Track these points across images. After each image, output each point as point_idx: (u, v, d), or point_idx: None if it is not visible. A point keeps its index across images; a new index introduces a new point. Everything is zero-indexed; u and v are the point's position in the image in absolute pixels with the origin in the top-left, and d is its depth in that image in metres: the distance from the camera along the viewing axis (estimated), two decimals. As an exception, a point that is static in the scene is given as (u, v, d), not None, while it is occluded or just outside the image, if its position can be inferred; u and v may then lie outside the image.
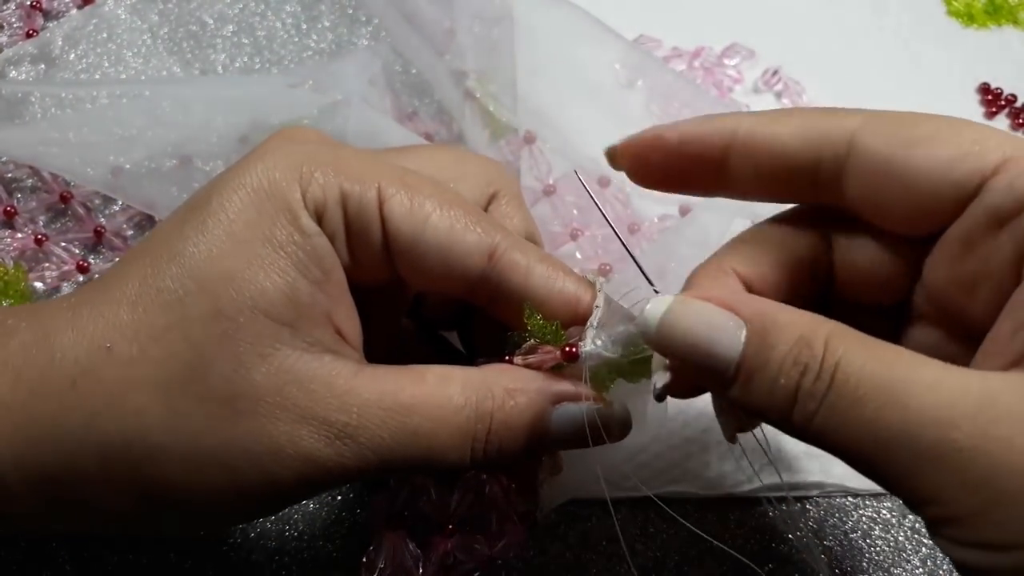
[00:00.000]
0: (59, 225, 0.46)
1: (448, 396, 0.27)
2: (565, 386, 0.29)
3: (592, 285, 0.31)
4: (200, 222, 0.26)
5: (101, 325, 0.25)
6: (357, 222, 0.28)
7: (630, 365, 0.30)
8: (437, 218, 0.28)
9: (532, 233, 0.34)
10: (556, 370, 0.30)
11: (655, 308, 0.26)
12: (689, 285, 0.29)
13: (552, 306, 0.29)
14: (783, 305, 0.25)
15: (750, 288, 0.29)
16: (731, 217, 0.37)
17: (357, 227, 0.28)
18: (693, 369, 0.26)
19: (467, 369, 0.29)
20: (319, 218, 0.27)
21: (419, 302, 0.36)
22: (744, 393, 0.25)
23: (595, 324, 0.29)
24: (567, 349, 0.29)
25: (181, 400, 0.25)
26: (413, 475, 0.35)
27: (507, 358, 0.30)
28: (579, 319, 0.30)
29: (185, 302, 0.25)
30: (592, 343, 0.29)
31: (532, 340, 0.30)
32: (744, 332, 0.24)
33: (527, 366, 0.30)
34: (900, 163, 0.26)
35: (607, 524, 0.40)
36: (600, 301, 0.30)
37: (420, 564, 0.34)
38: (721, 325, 0.25)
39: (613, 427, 0.29)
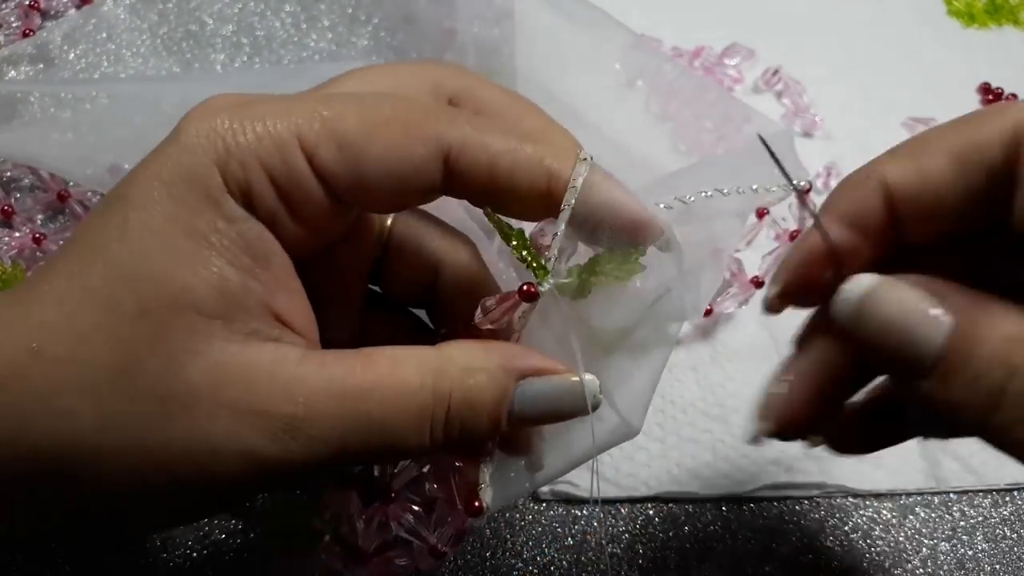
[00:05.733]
0: (57, 224, 0.46)
1: (402, 378, 0.26)
2: (529, 361, 0.27)
3: (576, 157, 0.27)
4: (121, 218, 0.25)
5: (28, 325, 0.24)
6: (291, 190, 0.26)
7: (614, 263, 0.28)
8: (374, 148, 0.26)
9: (522, 112, 0.30)
10: (525, 314, 0.28)
11: (854, 288, 0.24)
12: (828, 203, 0.27)
13: (524, 196, 0.27)
14: (991, 297, 0.24)
15: (906, 198, 0.26)
16: None
17: (294, 195, 0.26)
18: (881, 356, 0.24)
19: (423, 349, 0.27)
20: (247, 200, 0.25)
21: (385, 280, 0.34)
22: (939, 389, 0.23)
23: (565, 221, 0.27)
24: (524, 288, 0.27)
25: (112, 401, 0.24)
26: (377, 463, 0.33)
27: (473, 323, 0.28)
28: (556, 200, 0.27)
29: (111, 301, 0.24)
30: (555, 260, 0.27)
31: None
32: (948, 323, 0.23)
33: (493, 324, 0.28)
34: None
35: (607, 524, 0.40)
36: (579, 182, 0.27)
37: (360, 535, 0.33)
38: (924, 314, 0.23)
39: (582, 400, 0.28)
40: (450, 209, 0.33)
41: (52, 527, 0.27)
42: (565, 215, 0.27)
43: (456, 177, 0.27)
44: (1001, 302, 0.24)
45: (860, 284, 0.24)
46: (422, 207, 0.32)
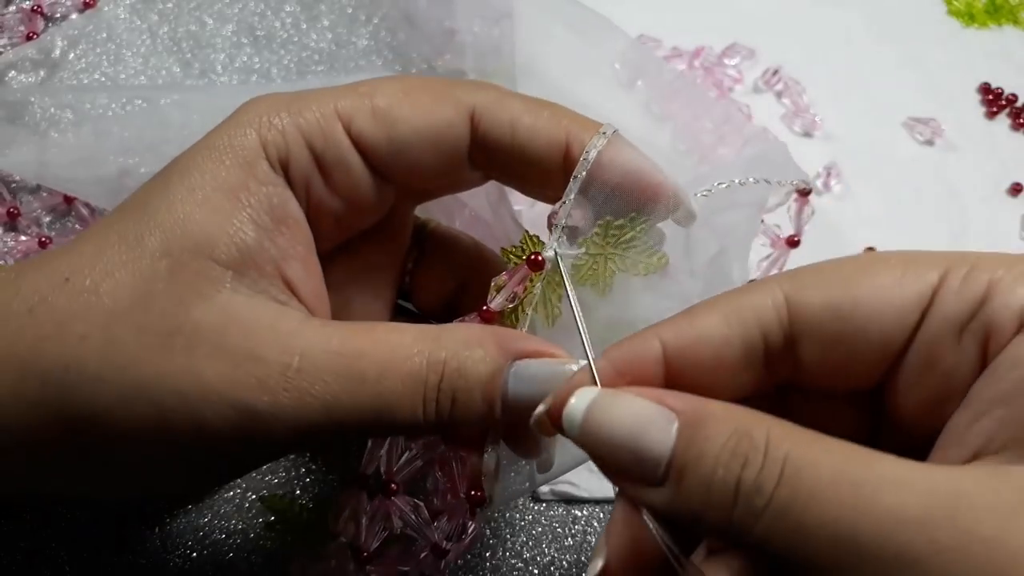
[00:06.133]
0: (60, 226, 0.46)
1: (399, 343, 0.26)
2: (527, 343, 0.28)
3: (594, 127, 0.28)
4: (164, 181, 0.27)
5: (64, 259, 0.27)
6: (329, 157, 0.28)
7: (626, 250, 0.28)
8: (405, 112, 0.28)
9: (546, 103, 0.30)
10: (533, 284, 0.29)
11: (579, 402, 0.24)
12: (605, 354, 0.26)
13: (545, 157, 0.28)
14: (716, 400, 0.23)
15: (681, 353, 0.25)
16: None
17: (332, 161, 0.28)
18: (619, 472, 0.23)
19: (425, 325, 0.28)
20: (285, 166, 0.28)
21: (416, 289, 0.35)
22: (675, 494, 0.22)
23: (575, 190, 0.28)
24: (531, 258, 0.28)
25: (121, 330, 0.25)
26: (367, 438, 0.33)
27: (485, 307, 0.29)
28: (574, 165, 0.28)
29: (140, 242, 0.26)
30: (565, 224, 0.27)
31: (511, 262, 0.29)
32: (676, 425, 0.22)
33: (505, 299, 0.29)
34: (847, 303, 0.24)
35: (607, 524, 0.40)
36: (591, 154, 0.27)
37: (364, 533, 0.33)
38: (650, 418, 0.23)
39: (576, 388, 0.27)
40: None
41: (48, 472, 0.28)
42: (576, 184, 0.28)
43: (480, 139, 0.28)
44: (723, 403, 0.23)
45: (583, 398, 0.24)
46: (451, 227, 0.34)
